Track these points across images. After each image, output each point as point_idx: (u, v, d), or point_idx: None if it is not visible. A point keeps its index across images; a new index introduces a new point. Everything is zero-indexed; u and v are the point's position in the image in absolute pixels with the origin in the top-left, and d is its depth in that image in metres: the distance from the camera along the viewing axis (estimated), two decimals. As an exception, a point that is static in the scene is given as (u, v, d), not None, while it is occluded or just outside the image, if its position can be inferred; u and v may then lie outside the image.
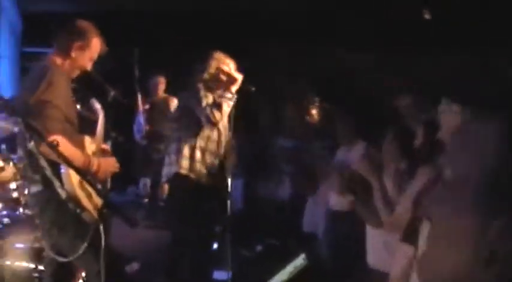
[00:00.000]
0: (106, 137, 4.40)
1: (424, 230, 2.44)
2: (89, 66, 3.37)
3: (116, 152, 4.38)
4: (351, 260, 4.02)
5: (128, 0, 7.55)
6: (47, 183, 3.05)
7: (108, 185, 4.38)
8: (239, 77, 4.39)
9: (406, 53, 6.93)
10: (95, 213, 3.04)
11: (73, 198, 2.98)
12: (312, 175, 5.42)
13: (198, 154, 4.34)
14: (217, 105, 4.30)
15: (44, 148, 2.78)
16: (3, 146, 4.45)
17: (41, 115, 2.99)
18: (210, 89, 4.36)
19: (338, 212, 4.77)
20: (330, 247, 4.94)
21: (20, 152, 3.36)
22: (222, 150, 4.46)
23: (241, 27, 7.54)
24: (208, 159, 4.38)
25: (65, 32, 3.33)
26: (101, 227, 2.74)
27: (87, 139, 3.39)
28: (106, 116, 4.16)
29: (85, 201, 3.04)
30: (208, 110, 4.26)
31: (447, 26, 6.58)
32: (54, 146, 2.58)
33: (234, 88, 4.37)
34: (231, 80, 4.37)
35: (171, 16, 7.59)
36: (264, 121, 6.65)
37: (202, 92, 4.31)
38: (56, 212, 3.15)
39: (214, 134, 4.41)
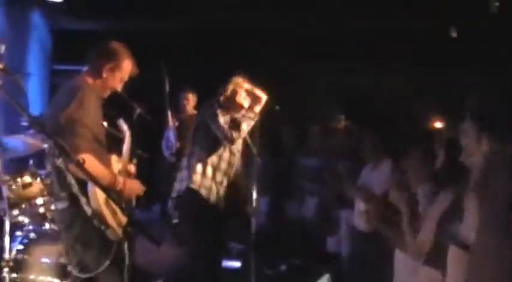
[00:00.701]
0: (132, 155, 4.48)
1: (453, 256, 2.42)
2: (119, 87, 3.44)
3: (141, 169, 4.45)
4: (377, 281, 3.99)
5: (158, 17, 7.66)
6: (73, 200, 3.11)
7: (133, 203, 4.45)
8: (263, 97, 4.45)
9: (433, 73, 6.91)
10: (119, 231, 3.10)
11: (98, 215, 3.04)
12: (336, 194, 5.40)
13: (209, 171, 4.38)
14: (236, 124, 4.35)
15: (72, 166, 2.81)
16: (31, 162, 4.53)
17: (70, 133, 3.04)
18: (226, 109, 4.41)
19: (363, 232, 4.73)
20: (354, 268, 4.90)
21: (48, 168, 3.41)
22: (232, 171, 4.50)
23: (269, 46, 7.59)
24: (219, 177, 4.41)
25: (97, 53, 3.39)
26: (125, 245, 2.79)
27: (114, 158, 3.45)
28: (132, 133, 4.23)
29: (110, 219, 3.09)
30: (225, 127, 4.31)
31: (475, 46, 6.55)
32: (81, 165, 2.63)
33: (258, 108, 4.43)
34: (255, 99, 4.42)
35: (203, 33, 7.67)
36: (289, 140, 6.65)
37: (219, 111, 4.36)
38: (81, 229, 3.19)
39: (226, 154, 4.45)
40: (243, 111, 4.45)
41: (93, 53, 3.40)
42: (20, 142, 4.29)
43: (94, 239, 3.16)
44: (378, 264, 4.07)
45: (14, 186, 4.25)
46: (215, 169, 4.40)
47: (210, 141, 4.39)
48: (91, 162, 2.93)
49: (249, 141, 4.53)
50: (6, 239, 3.95)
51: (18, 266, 4.05)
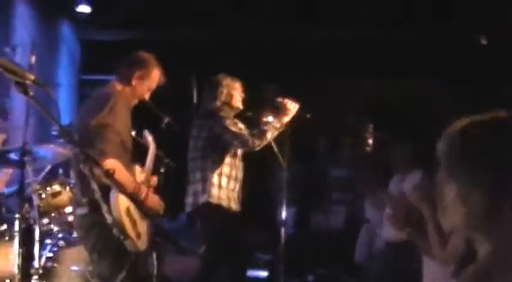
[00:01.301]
0: (157, 166, 4.52)
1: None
2: (147, 95, 3.52)
3: (168, 178, 4.49)
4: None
5: (186, 27, 7.73)
6: (93, 206, 3.10)
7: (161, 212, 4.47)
8: (293, 108, 4.37)
9: (463, 82, 6.85)
10: (137, 242, 3.10)
11: (118, 224, 3.02)
12: (365, 205, 5.38)
13: (224, 182, 4.39)
14: (261, 132, 4.30)
15: (98, 170, 2.83)
16: (61, 171, 4.61)
17: (99, 137, 3.09)
18: (228, 113, 4.40)
19: (392, 242, 4.70)
20: (383, 279, 4.86)
21: (72, 173, 3.47)
22: (240, 175, 4.51)
23: (297, 56, 7.61)
24: (232, 184, 4.43)
25: (127, 61, 3.50)
26: (154, 255, 2.79)
27: (138, 168, 3.47)
28: (160, 143, 4.27)
29: (129, 229, 3.08)
30: (245, 134, 4.27)
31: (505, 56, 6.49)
32: (109, 173, 2.65)
33: (286, 119, 4.36)
34: (284, 110, 4.35)
35: (230, 44, 7.72)
36: (319, 149, 6.64)
37: (227, 121, 4.33)
38: (98, 237, 3.20)
39: (234, 160, 4.45)
40: (270, 120, 4.42)
41: (123, 62, 3.51)
42: (50, 151, 4.36)
43: (110, 248, 3.16)
44: (406, 275, 4.03)
45: (44, 195, 4.32)
46: (229, 178, 4.42)
47: (221, 152, 4.39)
48: (117, 168, 2.95)
49: (276, 151, 4.50)
50: (36, 247, 4.03)
51: (47, 273, 4.12)
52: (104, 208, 2.96)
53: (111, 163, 2.96)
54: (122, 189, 3.07)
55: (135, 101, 3.51)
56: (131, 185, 3.16)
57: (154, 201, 3.36)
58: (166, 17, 7.49)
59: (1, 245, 4.15)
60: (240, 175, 4.51)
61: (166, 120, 4.69)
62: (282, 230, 4.59)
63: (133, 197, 3.15)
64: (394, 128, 6.36)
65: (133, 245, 3.08)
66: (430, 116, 6.78)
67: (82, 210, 3.27)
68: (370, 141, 6.49)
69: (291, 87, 4.56)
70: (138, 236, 3.12)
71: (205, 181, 4.36)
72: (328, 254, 5.87)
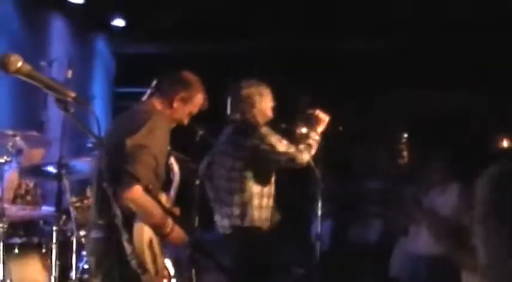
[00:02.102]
0: (193, 177, 4.53)
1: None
2: (186, 120, 3.29)
3: (202, 190, 4.51)
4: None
5: (222, 41, 7.80)
6: (111, 230, 2.85)
7: (196, 222, 4.49)
8: (325, 118, 4.24)
9: (502, 93, 6.76)
10: (155, 279, 2.87)
11: (139, 256, 2.78)
12: (402, 218, 5.33)
13: (265, 202, 4.09)
14: (308, 146, 4.08)
15: (126, 196, 2.69)
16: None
17: (134, 159, 2.82)
18: (263, 126, 4.09)
19: (430, 256, 4.65)
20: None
21: (91, 190, 3.30)
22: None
23: (331, 66, 7.61)
24: (271, 202, 4.15)
25: (171, 80, 3.26)
26: (193, 272, 2.66)
27: (163, 196, 3.14)
28: (194, 155, 4.30)
29: (149, 263, 2.84)
30: (292, 151, 4.01)
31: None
32: (150, 191, 2.51)
33: (320, 129, 4.20)
34: (317, 121, 4.21)
35: (267, 53, 7.76)
36: (353, 162, 6.62)
37: (272, 138, 3.99)
38: (111, 266, 2.92)
39: (274, 177, 4.17)
40: (304, 132, 4.33)
41: (167, 80, 3.28)
42: (86, 164, 4.45)
43: (125, 281, 2.90)
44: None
45: (80, 208, 4.41)
46: (269, 197, 4.14)
47: (266, 173, 4.08)
48: (146, 196, 2.75)
49: (311, 164, 4.43)
50: (73, 259, 4.12)
51: (84, 285, 4.20)
52: (125, 236, 2.73)
53: (138, 190, 2.75)
54: (148, 219, 2.83)
55: (174, 125, 3.24)
56: (158, 216, 2.88)
57: (179, 235, 3.05)
58: (199, 30, 7.58)
59: (38, 257, 4.25)
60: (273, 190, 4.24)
61: (200, 133, 4.74)
62: (317, 244, 4.56)
63: (157, 229, 2.90)
64: (431, 139, 6.30)
65: None
66: (469, 128, 6.72)
67: (97, 234, 3.00)
68: (407, 153, 6.43)
69: (324, 98, 4.52)
70: (156, 272, 2.86)
71: (245, 205, 4.03)
72: (364, 268, 5.83)
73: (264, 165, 4.04)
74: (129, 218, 2.78)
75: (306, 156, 4.05)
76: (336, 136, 4.42)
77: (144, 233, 2.83)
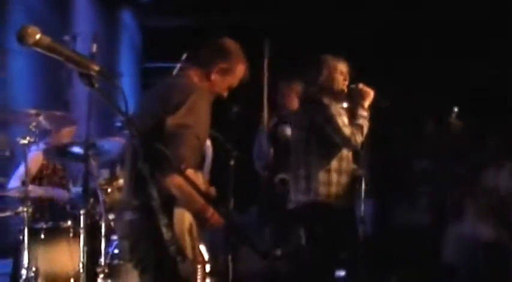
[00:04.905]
0: (228, 157, 4.46)
1: None
2: (225, 93, 3.11)
3: (237, 170, 4.44)
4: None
5: (253, 11, 7.69)
6: (147, 212, 2.69)
7: (231, 204, 4.44)
8: (370, 92, 4.18)
9: None
10: (194, 268, 2.82)
11: (179, 242, 2.69)
12: (453, 199, 5.21)
13: (334, 178, 4.13)
14: (359, 127, 4.08)
15: (169, 180, 2.61)
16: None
17: (177, 140, 2.71)
18: (329, 99, 4.12)
19: (485, 241, 4.55)
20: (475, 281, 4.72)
21: (123, 170, 3.20)
22: (351, 166, 4.27)
23: (380, 39, 7.46)
24: (343, 179, 4.17)
25: (209, 49, 3.08)
26: (229, 257, 2.59)
27: (199, 177, 2.95)
28: (229, 134, 4.22)
29: (189, 251, 2.78)
30: (348, 131, 4.04)
31: None
32: (188, 178, 2.32)
33: (367, 103, 4.17)
34: (363, 95, 4.17)
35: (297, 28, 7.63)
36: (400, 138, 6.45)
37: (332, 108, 4.08)
38: (148, 251, 2.81)
39: (345, 152, 4.20)
40: (345, 106, 4.26)
41: (204, 49, 3.08)
42: (115, 144, 4.39)
43: (160, 268, 2.77)
44: (500, 277, 3.87)
45: (109, 190, 4.36)
46: (339, 173, 4.16)
47: (328, 145, 4.11)
48: (193, 179, 2.55)
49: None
50: (102, 244, 4.07)
51: (113, 271, 4.14)
52: (163, 221, 2.60)
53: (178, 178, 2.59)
54: (191, 204, 2.76)
55: (212, 98, 3.04)
56: (200, 202, 2.76)
57: (218, 221, 2.87)
58: (227, 1, 7.47)
59: (66, 242, 4.23)
60: (351, 166, 4.26)
61: (235, 109, 4.64)
62: (361, 227, 4.46)
63: (198, 215, 2.83)
64: (487, 115, 6.07)
65: (189, 271, 2.74)
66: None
67: (132, 215, 2.87)
68: (457, 129, 6.24)
69: (370, 72, 4.36)
70: (195, 260, 2.82)
71: (310, 179, 4.12)
72: (412, 252, 5.71)
73: (323, 137, 4.09)
74: (169, 202, 2.69)
75: (359, 138, 4.07)
76: (380, 112, 4.29)
77: (186, 217, 2.77)
